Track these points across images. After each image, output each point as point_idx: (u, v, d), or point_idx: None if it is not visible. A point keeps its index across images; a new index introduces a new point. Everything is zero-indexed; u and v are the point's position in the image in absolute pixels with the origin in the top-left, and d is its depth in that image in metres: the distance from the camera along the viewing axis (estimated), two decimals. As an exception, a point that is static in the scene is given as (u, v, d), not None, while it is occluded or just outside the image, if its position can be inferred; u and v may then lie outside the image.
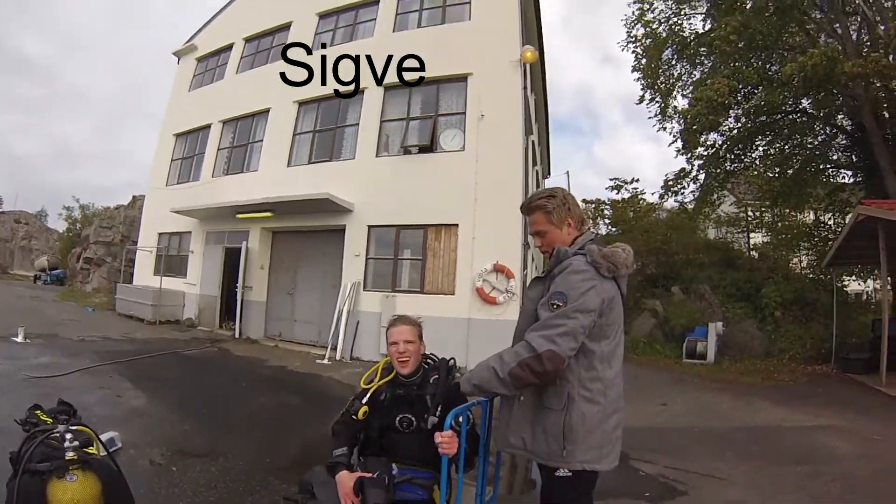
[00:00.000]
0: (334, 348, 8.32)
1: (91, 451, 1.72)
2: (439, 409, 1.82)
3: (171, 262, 12.06)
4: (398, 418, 1.96)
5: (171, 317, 11.16)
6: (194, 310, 11.10)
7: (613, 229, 15.33)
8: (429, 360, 2.08)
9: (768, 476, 3.31)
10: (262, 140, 10.85)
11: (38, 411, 1.89)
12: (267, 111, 10.91)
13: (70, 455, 1.60)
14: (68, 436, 1.63)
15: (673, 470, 3.45)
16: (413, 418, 1.94)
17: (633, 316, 11.18)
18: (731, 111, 11.60)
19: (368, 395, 1.99)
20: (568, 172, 31.62)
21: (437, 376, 1.98)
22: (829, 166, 12.55)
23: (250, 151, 11.13)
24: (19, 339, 6.69)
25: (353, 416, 1.98)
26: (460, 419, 1.75)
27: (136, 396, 4.92)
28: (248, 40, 12.27)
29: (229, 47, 12.57)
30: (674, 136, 13.30)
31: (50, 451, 1.61)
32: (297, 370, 7.35)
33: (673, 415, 5.29)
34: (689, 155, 13.23)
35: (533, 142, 11.04)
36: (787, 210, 14.04)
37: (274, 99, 10.72)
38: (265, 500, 2.89)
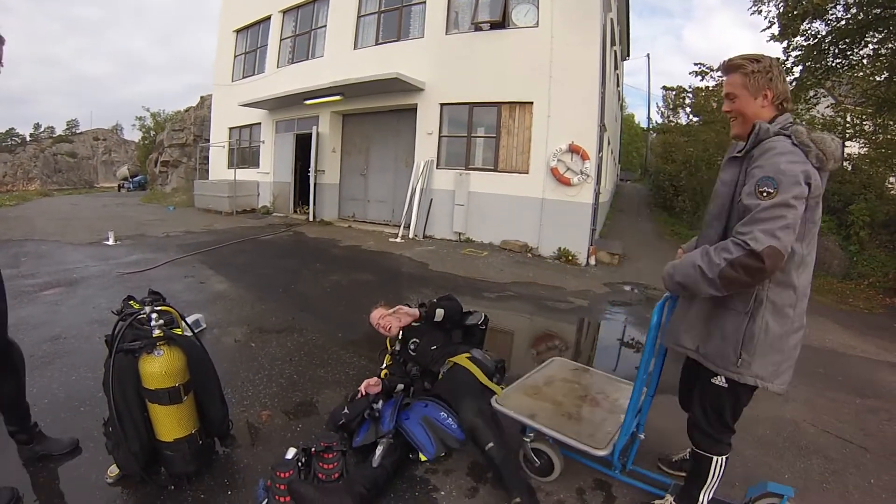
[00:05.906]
0: (407, 227, 8.50)
1: (177, 331, 1.87)
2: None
3: (244, 154, 12.49)
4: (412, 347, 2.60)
5: (247, 206, 11.76)
6: (269, 197, 11.63)
7: (695, 119, 14.14)
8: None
9: (826, 401, 3.16)
10: (325, 26, 10.54)
11: (132, 301, 2.00)
12: (327, -5, 10.53)
13: (156, 333, 1.74)
14: (153, 315, 1.77)
15: (729, 376, 3.40)
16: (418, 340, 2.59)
17: (707, 214, 10.68)
18: (840, -4, 9.89)
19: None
20: (648, 55, 28.72)
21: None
22: (947, 77, 10.62)
23: (314, 38, 10.90)
24: (110, 242, 7.10)
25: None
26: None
27: (219, 282, 5.16)
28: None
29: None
30: (770, 21, 11.63)
31: (138, 331, 1.75)
32: (370, 249, 7.51)
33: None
34: (785, 44, 11.60)
35: (612, 19, 10.11)
36: (892, 122, 12.33)
37: (334, -18, 10.27)
38: (336, 372, 3.02)
